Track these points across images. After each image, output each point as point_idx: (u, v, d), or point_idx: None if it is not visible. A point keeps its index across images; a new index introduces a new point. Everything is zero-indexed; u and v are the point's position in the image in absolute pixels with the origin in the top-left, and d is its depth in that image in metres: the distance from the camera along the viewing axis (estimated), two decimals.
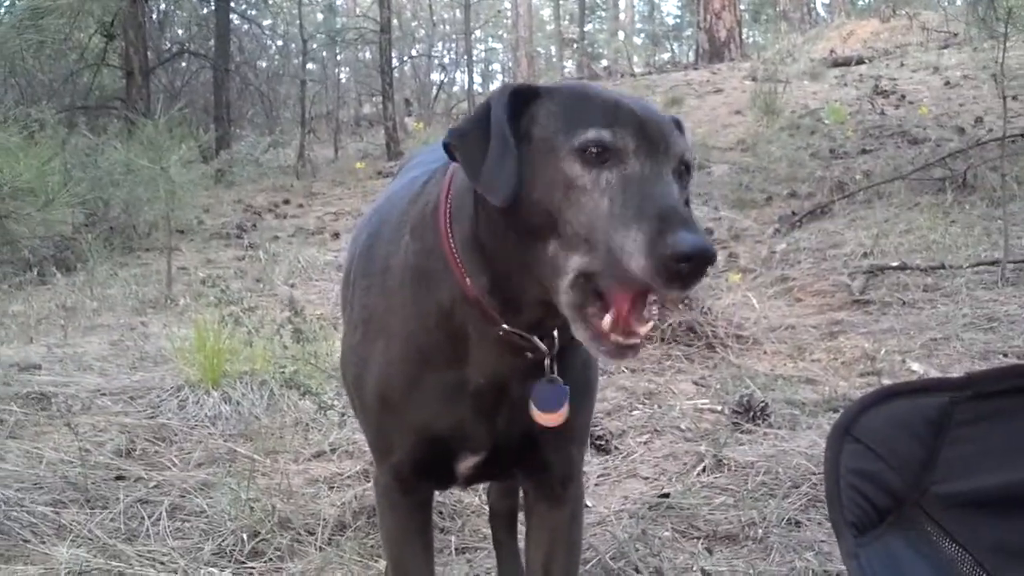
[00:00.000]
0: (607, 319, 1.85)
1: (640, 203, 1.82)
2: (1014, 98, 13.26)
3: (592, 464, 4.68)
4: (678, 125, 2.11)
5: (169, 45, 23.31)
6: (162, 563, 3.72)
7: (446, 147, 2.03)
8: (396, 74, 23.40)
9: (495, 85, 50.06)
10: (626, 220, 1.81)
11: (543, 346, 2.15)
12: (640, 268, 1.75)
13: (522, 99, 2.03)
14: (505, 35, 48.75)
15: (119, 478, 4.58)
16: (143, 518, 4.09)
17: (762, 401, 5.20)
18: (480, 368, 2.20)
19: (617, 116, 1.93)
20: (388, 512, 2.56)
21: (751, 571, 3.49)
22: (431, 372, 2.25)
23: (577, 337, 1.91)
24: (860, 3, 40.59)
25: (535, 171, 1.94)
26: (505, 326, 2.11)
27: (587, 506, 4.18)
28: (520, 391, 2.21)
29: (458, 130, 2.03)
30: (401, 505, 2.52)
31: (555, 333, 2.15)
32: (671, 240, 1.72)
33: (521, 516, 3.05)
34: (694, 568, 3.55)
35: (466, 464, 2.37)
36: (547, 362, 2.17)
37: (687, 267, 1.72)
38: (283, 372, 5.76)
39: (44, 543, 3.81)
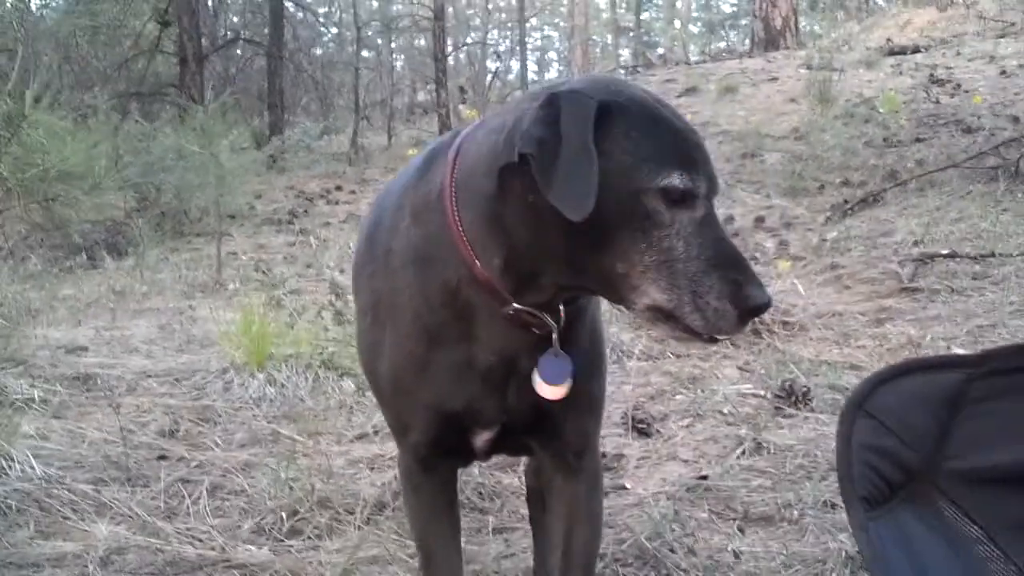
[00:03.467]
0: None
1: (713, 251, 1.97)
2: None
3: (632, 447, 4.69)
4: None
5: (223, 32, 23.46)
6: (200, 540, 3.76)
7: (521, 155, 1.98)
8: (450, 62, 23.31)
9: (550, 74, 50.09)
10: (706, 268, 1.96)
11: (551, 322, 2.17)
12: (723, 316, 1.95)
13: (599, 112, 1.99)
14: (560, 23, 48.80)
15: (161, 458, 4.64)
16: (183, 497, 4.14)
17: (805, 386, 5.18)
18: (488, 345, 2.23)
19: (695, 158, 2.01)
20: (411, 492, 2.62)
21: (784, 552, 3.48)
22: (439, 351, 2.27)
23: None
24: None
25: (610, 192, 1.93)
26: (516, 305, 2.13)
27: (625, 488, 4.20)
28: (529, 365, 2.24)
29: (535, 137, 1.96)
30: (424, 484, 2.57)
31: (561, 308, 2.18)
32: (749, 293, 1.94)
33: None
34: (728, 548, 3.55)
35: (481, 439, 2.40)
36: (554, 336, 2.19)
37: (756, 316, 2.00)
38: (322, 354, 5.80)
39: (84, 520, 3.86)
